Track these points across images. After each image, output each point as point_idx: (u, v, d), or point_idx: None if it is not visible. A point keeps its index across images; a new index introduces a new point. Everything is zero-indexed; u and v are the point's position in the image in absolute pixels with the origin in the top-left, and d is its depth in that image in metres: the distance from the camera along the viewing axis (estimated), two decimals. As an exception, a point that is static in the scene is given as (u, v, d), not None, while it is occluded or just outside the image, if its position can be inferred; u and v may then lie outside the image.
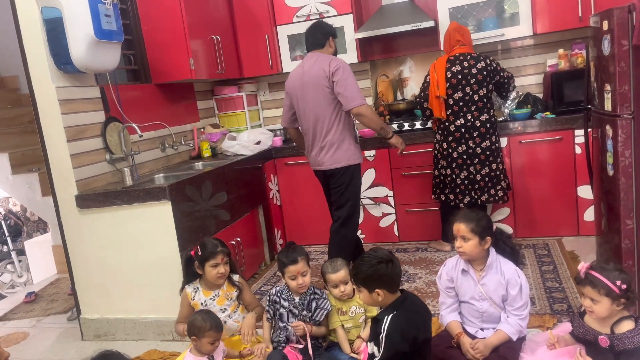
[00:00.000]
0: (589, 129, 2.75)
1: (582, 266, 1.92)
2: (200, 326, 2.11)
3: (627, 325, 1.81)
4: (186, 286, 2.51)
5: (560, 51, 3.84)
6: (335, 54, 3.25)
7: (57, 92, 2.84)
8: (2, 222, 5.26)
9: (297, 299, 2.35)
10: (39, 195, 4.22)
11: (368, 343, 2.08)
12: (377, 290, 1.95)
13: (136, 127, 3.15)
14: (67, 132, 2.87)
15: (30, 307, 3.81)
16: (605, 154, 2.36)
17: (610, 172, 2.33)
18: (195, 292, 2.47)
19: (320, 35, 3.17)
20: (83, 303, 3.09)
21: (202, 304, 2.45)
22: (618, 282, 1.80)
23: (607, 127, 2.31)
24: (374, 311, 2.41)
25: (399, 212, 4.01)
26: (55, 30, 2.77)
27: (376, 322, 2.03)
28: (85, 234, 2.96)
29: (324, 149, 3.14)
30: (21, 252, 5.08)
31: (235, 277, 2.50)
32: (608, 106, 2.29)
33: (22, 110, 4.74)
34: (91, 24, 2.72)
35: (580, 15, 3.57)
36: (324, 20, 3.54)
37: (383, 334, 1.93)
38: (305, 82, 3.11)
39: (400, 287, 2.03)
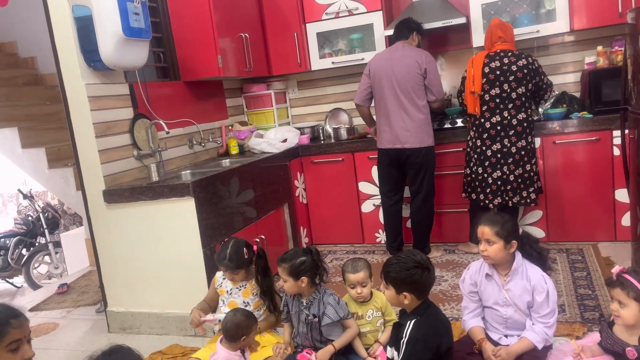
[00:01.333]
0: (626, 130, 2.61)
1: (616, 269, 1.84)
2: (248, 323, 2.14)
3: (657, 337, 1.71)
4: (217, 272, 2.53)
5: (599, 48, 3.67)
6: (419, 46, 3.62)
7: (87, 88, 2.90)
8: (41, 214, 5.43)
9: (304, 301, 2.31)
10: (74, 190, 4.35)
11: (388, 348, 2.04)
12: (405, 293, 1.92)
13: (163, 124, 3.19)
14: (95, 128, 2.93)
15: (62, 299, 3.92)
16: (642, 156, 2.24)
17: (647, 175, 2.20)
18: (224, 279, 2.48)
19: (405, 29, 3.57)
20: (109, 296, 3.15)
21: (227, 291, 2.45)
22: None
23: (644, 127, 2.19)
24: (393, 315, 2.36)
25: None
26: (85, 28, 2.82)
27: (398, 326, 1.99)
28: (112, 229, 3.02)
29: (410, 130, 3.49)
30: (57, 245, 5.24)
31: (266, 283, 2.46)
32: (645, 106, 2.17)
33: (60, 107, 4.87)
34: (120, 22, 2.76)
35: (620, 10, 3.40)
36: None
37: (405, 339, 1.90)
38: (395, 68, 3.47)
39: None
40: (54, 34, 2.91)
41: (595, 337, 2.02)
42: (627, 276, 1.77)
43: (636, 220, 2.48)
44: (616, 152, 3.38)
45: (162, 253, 2.93)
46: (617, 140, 3.34)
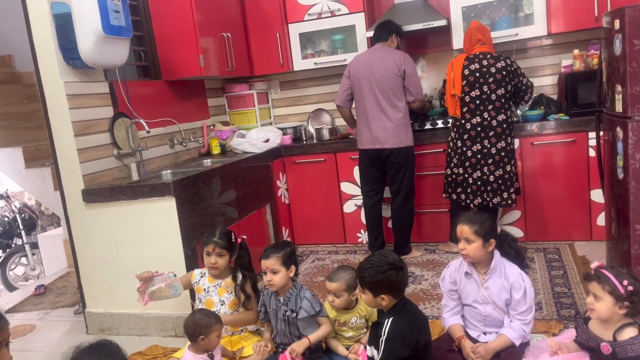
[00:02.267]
0: (601, 132, 2.67)
1: (595, 264, 1.89)
2: (207, 323, 2.11)
3: (630, 332, 1.76)
4: (195, 269, 2.56)
5: (576, 52, 3.76)
6: (398, 48, 3.65)
7: (66, 87, 2.86)
8: (17, 215, 5.33)
9: (281, 299, 2.32)
10: (51, 190, 4.28)
11: (367, 347, 2.05)
12: (382, 295, 1.93)
13: (144, 123, 3.17)
14: (74, 126, 2.89)
15: (39, 300, 3.85)
16: (616, 157, 2.30)
17: (620, 176, 2.26)
18: (202, 277, 2.51)
19: (385, 31, 3.62)
20: (88, 297, 3.11)
21: (205, 289, 2.48)
22: (625, 282, 1.76)
23: (618, 129, 2.25)
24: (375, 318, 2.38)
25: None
26: (64, 26, 2.79)
27: (376, 325, 2.01)
28: (91, 229, 2.98)
29: (389, 131, 3.53)
30: (35, 246, 5.15)
31: (243, 280, 2.46)
32: (619, 107, 2.23)
33: (38, 106, 4.79)
34: (99, 19, 2.73)
35: (596, 15, 3.48)
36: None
37: (383, 337, 1.92)
38: (375, 69, 3.52)
39: None
40: (32, 31, 2.86)
41: (571, 333, 2.07)
42: (604, 271, 1.83)
43: (611, 220, 2.54)
44: (592, 153, 3.45)
45: (142, 253, 2.90)
46: (593, 142, 3.41)
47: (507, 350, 2.08)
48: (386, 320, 1.94)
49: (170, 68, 3.72)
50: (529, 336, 2.16)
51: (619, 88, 2.21)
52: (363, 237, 4.12)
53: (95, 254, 3.01)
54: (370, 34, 3.96)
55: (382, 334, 1.92)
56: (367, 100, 3.58)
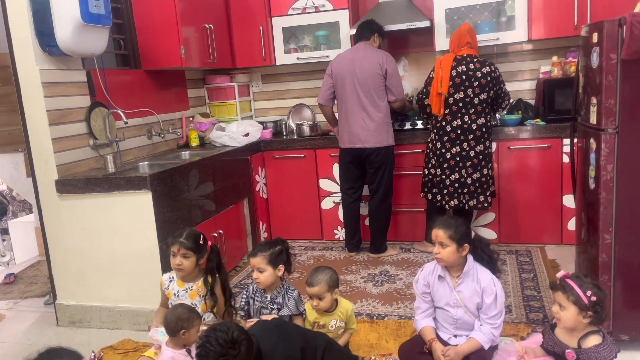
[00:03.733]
0: (576, 139, 2.73)
1: (561, 273, 1.93)
2: (189, 317, 2.10)
3: (594, 340, 1.81)
4: (163, 274, 2.52)
5: (554, 58, 3.82)
6: (379, 48, 3.67)
7: (41, 74, 2.79)
8: (-13, 200, 5.21)
9: (268, 297, 2.33)
10: (24, 176, 4.20)
11: None
12: None
13: (122, 113, 3.12)
14: (49, 115, 2.83)
15: (8, 289, 3.78)
16: (588, 167, 2.35)
17: (592, 186, 2.32)
18: (170, 281, 2.47)
19: (367, 31, 3.63)
20: (59, 288, 3.06)
21: (175, 294, 2.44)
22: (588, 293, 1.80)
23: (591, 140, 2.30)
24: (355, 325, 2.41)
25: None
26: (41, 12, 2.72)
27: None
28: (64, 220, 2.93)
29: (371, 130, 3.56)
30: (5, 232, 5.04)
31: (212, 282, 2.45)
32: (593, 119, 2.27)
33: (12, 89, 4.66)
34: (78, 6, 2.67)
35: (575, 23, 3.54)
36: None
37: None
38: (357, 68, 3.53)
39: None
40: (7, 14, 2.78)
41: (538, 338, 2.12)
42: (569, 281, 1.87)
43: (581, 225, 2.60)
44: (565, 159, 3.53)
45: (116, 246, 2.87)
46: (567, 149, 3.49)
47: (476, 353, 2.13)
48: None
49: (150, 57, 3.66)
50: (498, 340, 2.21)
51: (594, 100, 2.26)
52: (340, 234, 4.14)
53: (67, 246, 2.96)
54: (354, 31, 3.95)
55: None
56: (349, 99, 3.59)
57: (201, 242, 2.40)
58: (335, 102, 3.73)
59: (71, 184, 2.85)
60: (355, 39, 3.71)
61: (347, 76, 3.57)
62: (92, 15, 2.75)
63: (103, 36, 2.93)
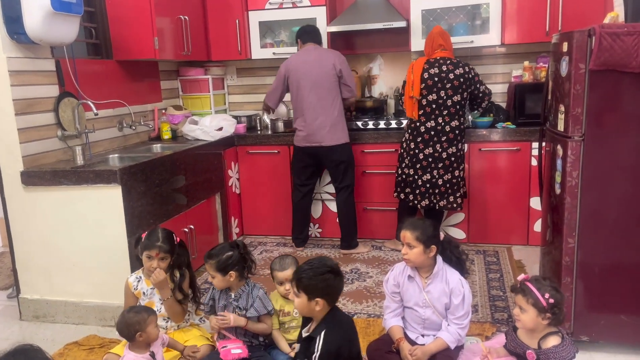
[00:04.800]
0: (544, 144, 2.80)
1: (521, 277, 1.99)
2: (139, 319, 2.06)
3: (553, 341, 1.88)
4: (128, 276, 2.48)
5: (526, 63, 3.90)
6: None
7: (8, 62, 2.70)
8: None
9: (232, 295, 2.32)
10: (-13, 165, 4.05)
11: None
12: (317, 299, 1.90)
13: (91, 104, 3.05)
14: (15, 104, 2.74)
15: (-31, 281, 3.66)
16: (555, 172, 2.41)
17: (558, 190, 2.38)
18: (138, 281, 2.44)
19: (317, 33, 3.76)
20: (23, 282, 2.99)
21: (144, 293, 2.42)
22: (546, 295, 1.86)
23: (559, 146, 2.36)
24: None
25: (356, 209, 4.01)
26: (9, -3, 2.63)
27: (309, 340, 1.94)
28: (29, 212, 2.86)
29: (327, 128, 3.62)
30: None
31: (181, 279, 2.43)
32: (561, 126, 2.33)
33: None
34: (48, -6, 2.59)
35: (547, 29, 3.62)
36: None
37: (317, 354, 1.86)
38: (312, 69, 3.60)
39: None
40: (-28, -1, 2.68)
41: (502, 338, 2.18)
42: (528, 284, 1.93)
43: (546, 228, 2.67)
44: (534, 162, 3.61)
45: (84, 240, 2.81)
46: (536, 152, 3.57)
47: (442, 353, 2.17)
48: (318, 336, 1.88)
49: (123, 47, 3.58)
50: (463, 340, 2.26)
51: (562, 107, 2.32)
52: (313, 230, 4.15)
53: (33, 239, 2.89)
54: (332, 29, 3.97)
55: (316, 350, 1.86)
56: (305, 99, 3.64)
57: (175, 241, 2.39)
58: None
59: (37, 175, 2.78)
60: (306, 40, 3.73)
61: (302, 77, 3.62)
62: (62, 3, 2.68)
63: (73, 25, 2.86)
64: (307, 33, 3.73)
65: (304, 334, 1.99)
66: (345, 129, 3.71)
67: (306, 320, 2.02)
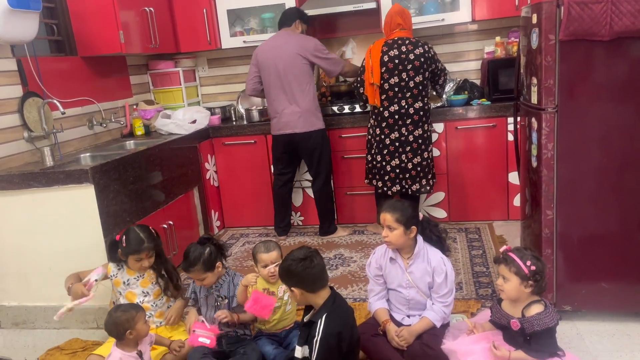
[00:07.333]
0: (518, 117, 2.80)
1: (503, 248, 2.01)
2: (128, 317, 2.02)
3: (536, 309, 1.90)
4: (110, 262, 2.46)
5: (497, 39, 3.89)
6: (302, 33, 3.66)
7: (-34, 63, 2.61)
8: None
9: (214, 285, 2.32)
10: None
11: (297, 347, 2.00)
12: (293, 288, 1.96)
13: (58, 103, 2.96)
14: (-23, 107, 2.65)
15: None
16: (531, 145, 2.42)
17: (534, 164, 2.39)
18: (119, 269, 2.41)
19: (288, 18, 3.63)
20: (-1, 290, 2.92)
21: (124, 282, 2.40)
22: (528, 263, 1.90)
23: (533, 119, 2.36)
24: None
25: (337, 194, 4.00)
26: (-39, -5, 2.52)
27: (310, 324, 1.97)
28: (0, 218, 2.77)
29: (299, 115, 3.55)
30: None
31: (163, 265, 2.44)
32: (534, 99, 2.33)
33: None
34: (3, -10, 2.49)
35: (517, 3, 3.61)
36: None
37: (318, 337, 1.88)
38: (280, 55, 3.52)
39: (330, 285, 2.02)
40: None
41: (487, 314, 2.18)
42: (510, 254, 1.96)
43: (525, 201, 2.69)
44: (510, 137, 3.63)
45: (58, 243, 2.74)
46: (512, 127, 3.58)
47: (429, 332, 2.17)
48: (319, 320, 1.90)
49: (87, 43, 3.48)
50: (449, 317, 2.26)
51: (534, 80, 2.31)
52: (295, 219, 4.13)
53: (5, 244, 2.81)
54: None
55: (317, 333, 1.89)
56: (275, 86, 3.58)
57: (155, 234, 2.40)
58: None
59: (5, 179, 2.69)
60: (279, 27, 3.68)
61: (271, 64, 3.55)
62: (19, 0, 2.58)
63: (33, 22, 2.76)
64: (280, 20, 3.67)
65: (305, 320, 2.03)
66: (319, 115, 3.64)
67: (307, 309, 2.06)
